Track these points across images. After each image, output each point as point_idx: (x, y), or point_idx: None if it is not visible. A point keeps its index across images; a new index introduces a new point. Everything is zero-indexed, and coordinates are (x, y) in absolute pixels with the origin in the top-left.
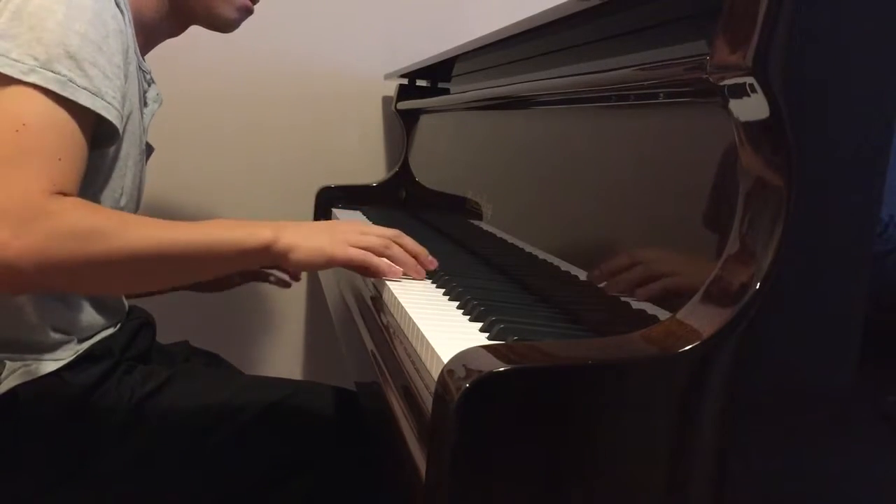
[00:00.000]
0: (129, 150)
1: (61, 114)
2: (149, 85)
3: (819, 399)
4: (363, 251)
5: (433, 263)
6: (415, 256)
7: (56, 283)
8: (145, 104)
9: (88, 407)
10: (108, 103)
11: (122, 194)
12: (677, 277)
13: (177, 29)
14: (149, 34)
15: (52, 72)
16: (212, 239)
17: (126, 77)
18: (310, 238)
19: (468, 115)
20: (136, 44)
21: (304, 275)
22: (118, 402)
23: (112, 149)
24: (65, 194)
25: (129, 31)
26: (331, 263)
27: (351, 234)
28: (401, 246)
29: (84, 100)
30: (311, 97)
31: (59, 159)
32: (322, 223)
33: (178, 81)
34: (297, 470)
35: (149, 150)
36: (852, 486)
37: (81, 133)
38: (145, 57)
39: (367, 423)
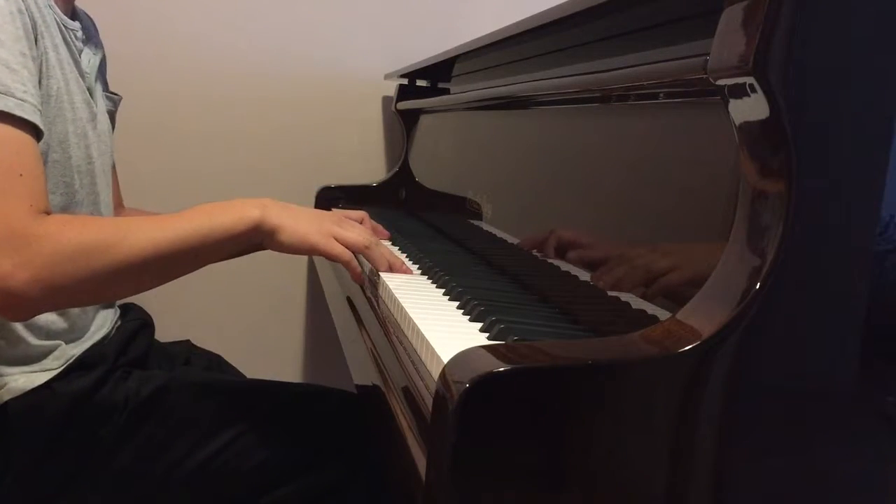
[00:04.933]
0: (65, 128)
1: (1, 130)
2: (83, 44)
3: (819, 399)
4: (345, 249)
5: (409, 272)
6: (390, 264)
7: (63, 302)
8: (80, 62)
9: (82, 417)
10: (21, 100)
11: (72, 176)
12: (677, 277)
13: None
14: None
15: None
16: (204, 228)
17: (38, 58)
18: (296, 222)
19: (468, 115)
20: (56, 8)
21: (304, 276)
22: (113, 410)
23: (42, 141)
24: (44, 212)
25: (36, 1)
26: (312, 253)
27: (336, 227)
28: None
29: None
30: (312, 97)
31: (21, 175)
32: (308, 210)
33: (178, 82)
34: (298, 473)
35: (112, 101)
36: (852, 487)
37: (25, 139)
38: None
39: (367, 424)
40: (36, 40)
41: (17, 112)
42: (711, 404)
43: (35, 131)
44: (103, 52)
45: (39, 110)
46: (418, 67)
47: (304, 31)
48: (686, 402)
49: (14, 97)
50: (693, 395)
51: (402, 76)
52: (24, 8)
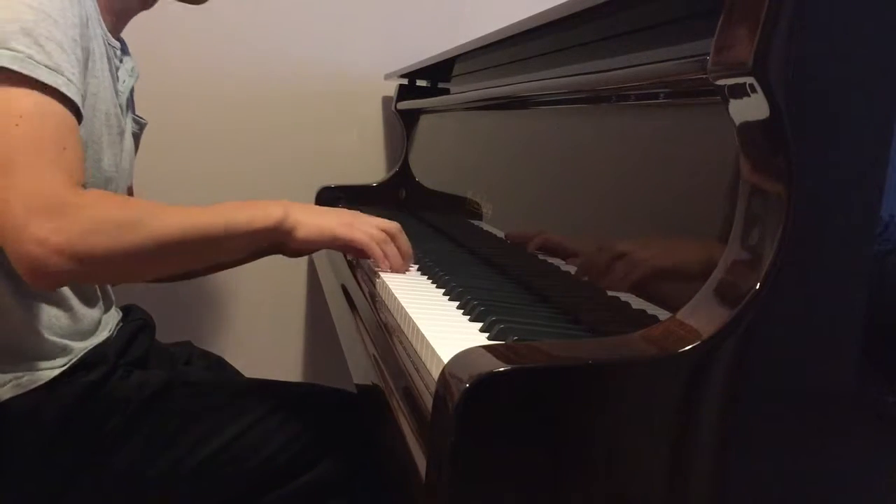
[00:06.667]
0: (100, 129)
1: (50, 103)
2: (120, 61)
3: (819, 399)
4: (364, 234)
5: (410, 269)
6: (403, 257)
7: (87, 275)
8: (117, 79)
9: (83, 416)
10: (69, 80)
11: (99, 178)
12: (677, 277)
13: (148, 1)
14: (119, 12)
15: (9, 49)
16: (229, 220)
17: (86, 50)
18: (316, 217)
19: (468, 115)
20: (103, 20)
21: (304, 276)
22: (114, 409)
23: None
24: (82, 185)
25: (90, 4)
26: (334, 242)
27: (355, 219)
28: (396, 243)
29: (45, 77)
30: (312, 97)
31: (65, 149)
32: (329, 208)
33: (178, 81)
34: (297, 472)
35: (139, 125)
36: (852, 487)
37: (70, 118)
38: (121, 34)
39: (367, 424)
40: (87, 35)
41: (64, 90)
42: (711, 404)
43: (77, 114)
44: (137, 76)
45: (83, 95)
46: (418, 67)
47: (305, 32)
48: (686, 402)
49: (63, 76)
50: (693, 395)
51: (403, 76)
52: (82, 1)
